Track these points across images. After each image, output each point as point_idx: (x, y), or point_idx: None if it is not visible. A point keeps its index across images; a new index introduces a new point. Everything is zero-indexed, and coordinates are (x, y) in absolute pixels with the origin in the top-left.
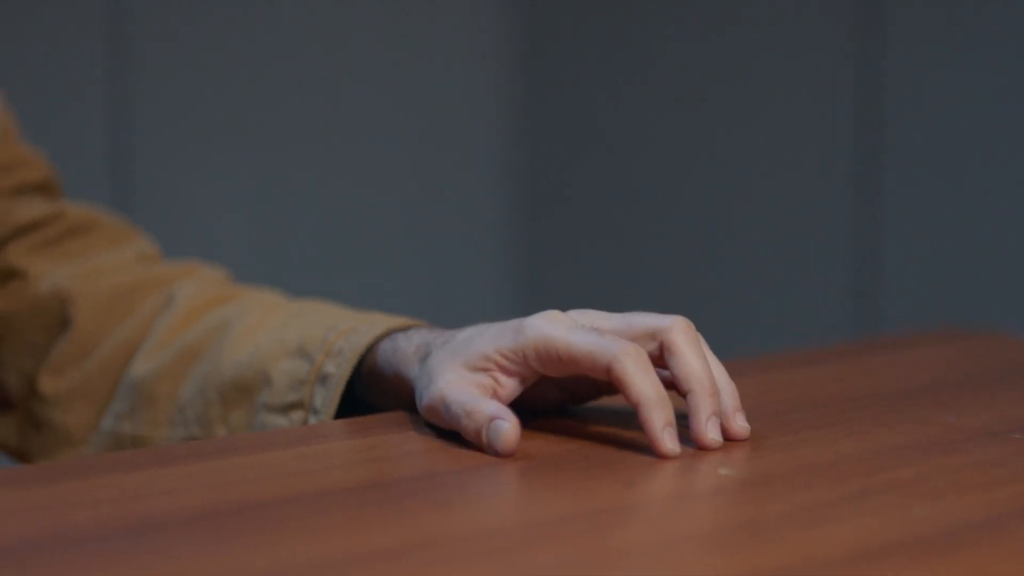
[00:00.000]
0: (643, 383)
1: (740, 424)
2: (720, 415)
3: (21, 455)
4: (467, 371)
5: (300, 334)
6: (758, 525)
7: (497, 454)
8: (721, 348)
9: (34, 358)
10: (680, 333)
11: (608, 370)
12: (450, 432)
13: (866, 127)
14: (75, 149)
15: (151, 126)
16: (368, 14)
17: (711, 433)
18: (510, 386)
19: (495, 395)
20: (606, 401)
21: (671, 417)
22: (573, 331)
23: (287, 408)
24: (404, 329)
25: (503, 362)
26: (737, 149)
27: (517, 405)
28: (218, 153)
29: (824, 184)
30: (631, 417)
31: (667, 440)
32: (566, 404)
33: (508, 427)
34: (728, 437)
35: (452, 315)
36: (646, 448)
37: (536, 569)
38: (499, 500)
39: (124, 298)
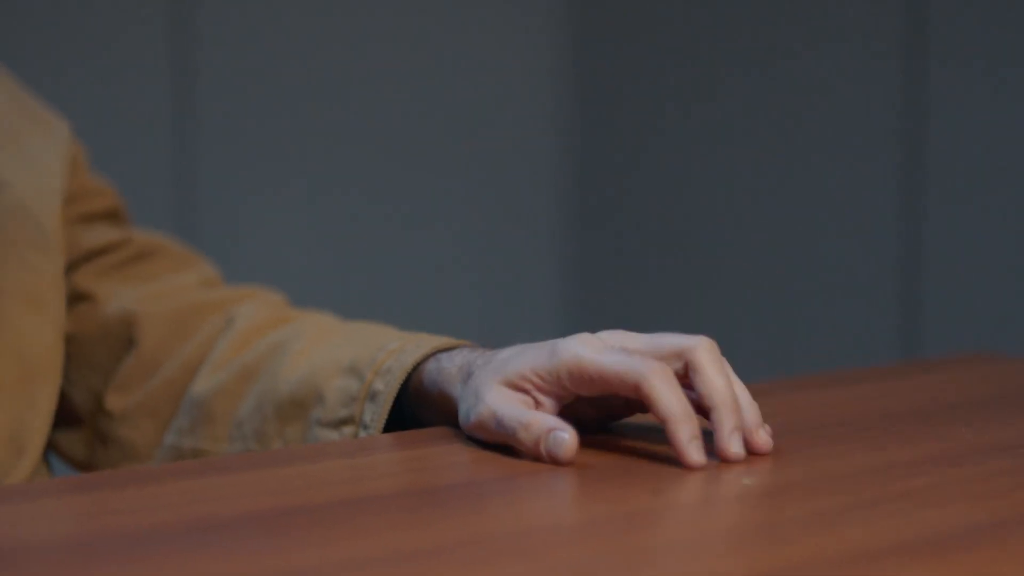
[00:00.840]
0: (669, 400)
1: (763, 438)
2: (743, 430)
3: (89, 468)
4: (508, 390)
5: (352, 354)
6: (774, 527)
7: (557, 462)
8: (762, 368)
9: (101, 377)
10: (704, 352)
11: (637, 388)
12: (491, 445)
13: (910, 153)
14: (141, 179)
15: (214, 156)
16: (420, 33)
17: (734, 447)
18: (548, 404)
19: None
20: (639, 418)
21: (697, 431)
22: (603, 352)
23: (339, 423)
24: (448, 349)
25: (539, 382)
26: (784, 176)
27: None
28: (277, 182)
29: (869, 210)
30: (660, 432)
31: (693, 452)
32: (601, 421)
33: (568, 437)
34: (752, 451)
35: (504, 326)
36: (674, 460)
37: (568, 565)
38: (536, 504)
39: (187, 320)
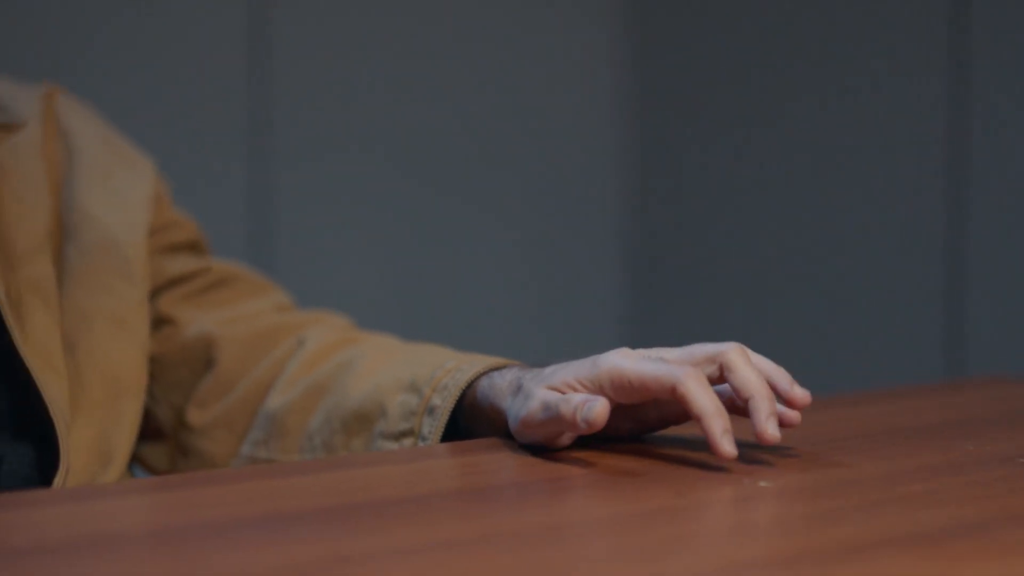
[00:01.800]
0: (703, 398)
1: (800, 392)
2: (777, 415)
3: None
4: (551, 392)
5: (412, 372)
6: (782, 523)
7: (589, 425)
8: (809, 383)
9: (183, 394)
10: (735, 353)
11: (673, 390)
12: (535, 452)
13: (955, 180)
14: (219, 212)
15: (287, 190)
16: (484, 61)
17: (770, 429)
18: None
19: None
20: (671, 431)
21: (728, 425)
22: (641, 361)
23: (399, 435)
24: (500, 368)
25: (582, 390)
26: (834, 192)
27: (596, 433)
28: (347, 211)
29: (914, 231)
30: (688, 442)
31: (726, 444)
32: (635, 433)
33: (599, 403)
34: (792, 405)
35: (565, 341)
36: (699, 466)
37: (598, 551)
38: (572, 502)
39: (261, 342)
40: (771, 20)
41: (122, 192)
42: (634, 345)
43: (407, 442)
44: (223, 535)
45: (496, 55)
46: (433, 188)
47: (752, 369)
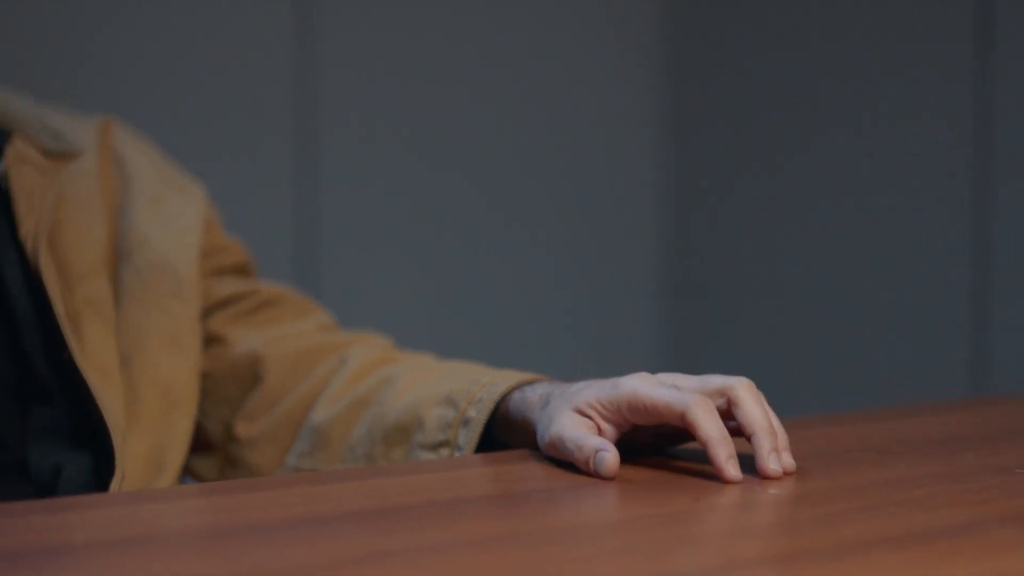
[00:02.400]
0: (710, 426)
1: (787, 460)
2: (779, 453)
3: None
4: (577, 415)
5: (449, 387)
6: (790, 524)
7: (601, 477)
8: (834, 400)
9: (231, 408)
10: (743, 390)
11: (683, 416)
12: (561, 463)
13: (981, 194)
14: (266, 236)
15: (332, 214)
16: (525, 91)
17: (772, 464)
18: (609, 430)
19: (599, 435)
20: (690, 445)
21: (733, 451)
22: (657, 387)
23: (436, 446)
24: (531, 382)
25: (602, 411)
26: (865, 227)
27: (620, 445)
28: (389, 236)
29: (941, 256)
30: (705, 455)
31: (730, 469)
32: (656, 447)
33: (610, 456)
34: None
35: (603, 362)
36: (715, 476)
37: (619, 547)
38: (595, 506)
39: (306, 360)
40: (804, 49)
41: (174, 217)
42: (668, 368)
43: (444, 452)
44: (268, 534)
45: (540, 86)
46: (474, 214)
47: (758, 406)
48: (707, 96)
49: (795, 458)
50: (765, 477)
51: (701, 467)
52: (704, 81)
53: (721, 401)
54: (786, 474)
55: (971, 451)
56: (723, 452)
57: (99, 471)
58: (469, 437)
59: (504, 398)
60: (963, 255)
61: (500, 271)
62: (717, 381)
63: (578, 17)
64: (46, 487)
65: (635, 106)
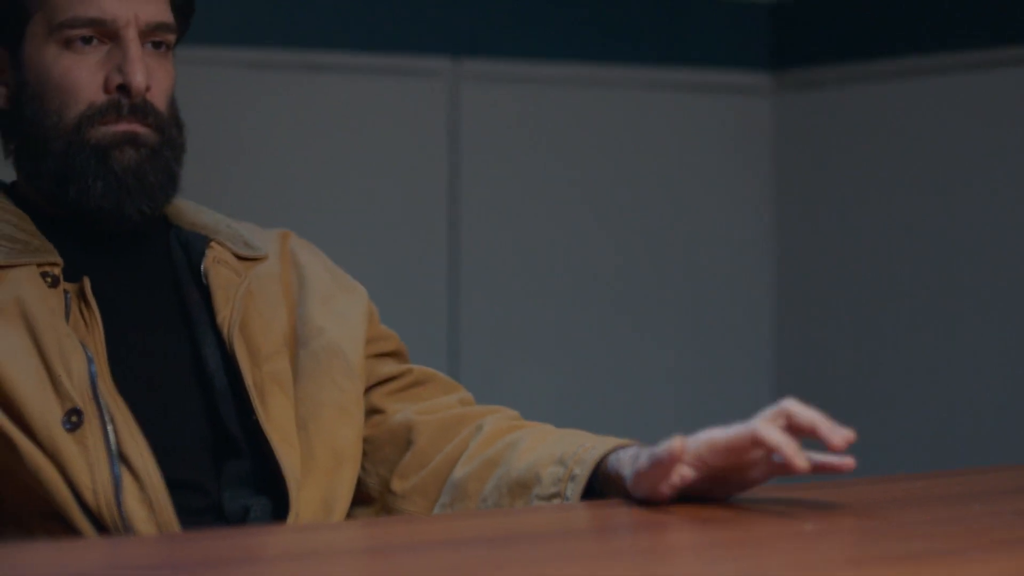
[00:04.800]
0: (776, 434)
1: (846, 433)
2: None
3: None
4: None
5: (561, 450)
6: (803, 545)
7: (672, 455)
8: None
9: (388, 467)
10: (794, 404)
11: (753, 437)
12: (640, 505)
13: None
14: (419, 326)
15: (473, 307)
16: (645, 209)
17: (837, 437)
18: (687, 473)
19: (680, 479)
20: (749, 493)
21: (799, 448)
22: (725, 429)
23: (550, 496)
24: (625, 446)
25: (684, 458)
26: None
27: (692, 495)
28: (526, 330)
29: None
30: (757, 501)
31: (800, 459)
32: (722, 494)
33: (676, 442)
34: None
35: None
36: (762, 513)
37: (681, 566)
38: (664, 534)
39: (450, 427)
40: (902, 180)
41: (343, 311)
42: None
43: (555, 501)
44: (411, 551)
45: (661, 211)
46: (600, 321)
47: (808, 409)
48: (811, 225)
49: (829, 502)
50: (832, 448)
51: (751, 508)
52: (808, 211)
53: (781, 422)
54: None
55: (981, 503)
56: (792, 448)
57: (278, 514)
58: (575, 490)
59: (604, 458)
60: None
61: (622, 368)
62: (773, 409)
63: (698, 158)
64: (236, 524)
65: (748, 234)
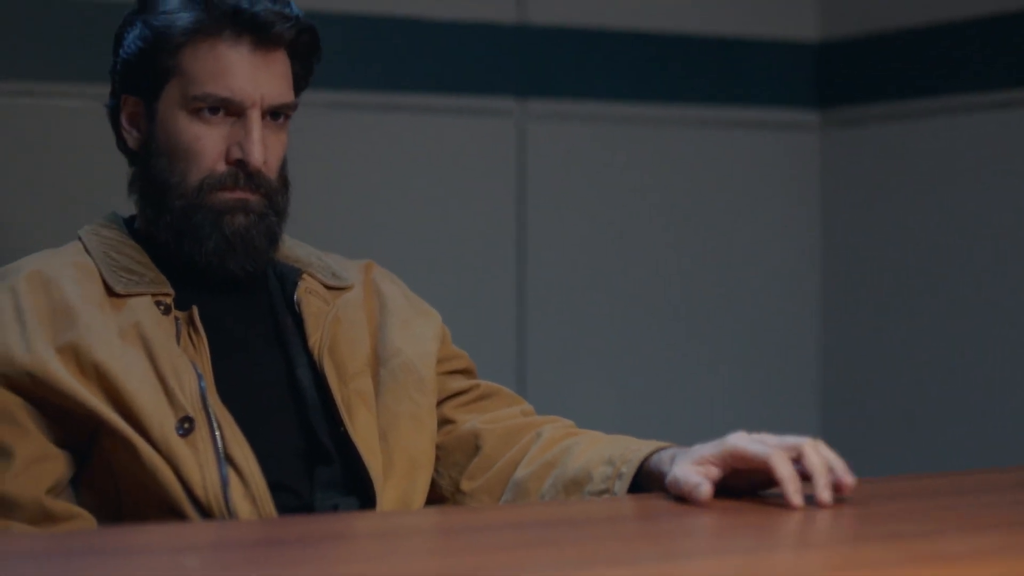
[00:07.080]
0: (784, 468)
1: (849, 480)
2: (832, 485)
3: None
4: (692, 464)
5: (610, 452)
6: (813, 543)
7: (697, 502)
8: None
9: (458, 470)
10: (808, 446)
11: (766, 462)
12: (679, 499)
13: None
14: (488, 349)
15: (540, 329)
16: (701, 255)
17: (825, 495)
18: (715, 472)
19: (707, 475)
20: (774, 490)
21: (799, 487)
22: (752, 442)
23: (600, 492)
24: (666, 447)
25: (712, 459)
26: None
27: (721, 488)
28: (590, 350)
29: None
30: (777, 495)
31: (796, 498)
32: (747, 489)
33: (704, 487)
34: (841, 489)
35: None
36: (779, 507)
37: (709, 551)
38: (693, 521)
39: (512, 435)
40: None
41: (419, 334)
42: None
43: (605, 497)
44: (479, 531)
45: (716, 241)
46: (657, 345)
47: (817, 455)
48: (856, 255)
49: (843, 498)
50: (820, 503)
51: (771, 502)
52: (853, 242)
53: (794, 454)
54: (845, 490)
55: (991, 495)
56: (792, 486)
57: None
58: (622, 486)
59: (647, 459)
60: None
61: (677, 387)
62: (791, 440)
63: (750, 192)
64: None
65: (797, 263)
